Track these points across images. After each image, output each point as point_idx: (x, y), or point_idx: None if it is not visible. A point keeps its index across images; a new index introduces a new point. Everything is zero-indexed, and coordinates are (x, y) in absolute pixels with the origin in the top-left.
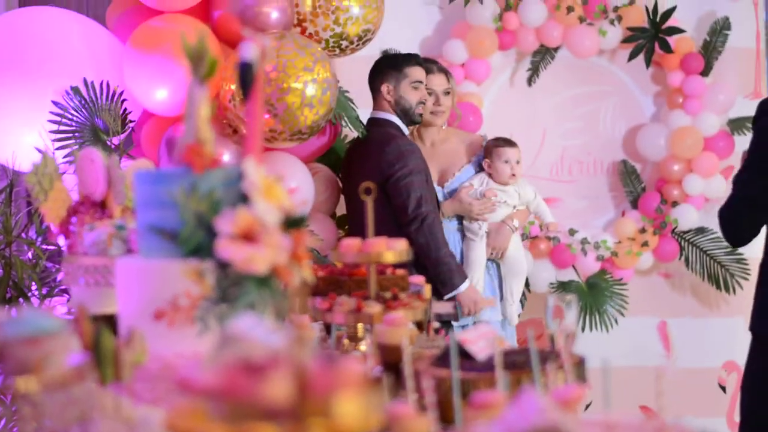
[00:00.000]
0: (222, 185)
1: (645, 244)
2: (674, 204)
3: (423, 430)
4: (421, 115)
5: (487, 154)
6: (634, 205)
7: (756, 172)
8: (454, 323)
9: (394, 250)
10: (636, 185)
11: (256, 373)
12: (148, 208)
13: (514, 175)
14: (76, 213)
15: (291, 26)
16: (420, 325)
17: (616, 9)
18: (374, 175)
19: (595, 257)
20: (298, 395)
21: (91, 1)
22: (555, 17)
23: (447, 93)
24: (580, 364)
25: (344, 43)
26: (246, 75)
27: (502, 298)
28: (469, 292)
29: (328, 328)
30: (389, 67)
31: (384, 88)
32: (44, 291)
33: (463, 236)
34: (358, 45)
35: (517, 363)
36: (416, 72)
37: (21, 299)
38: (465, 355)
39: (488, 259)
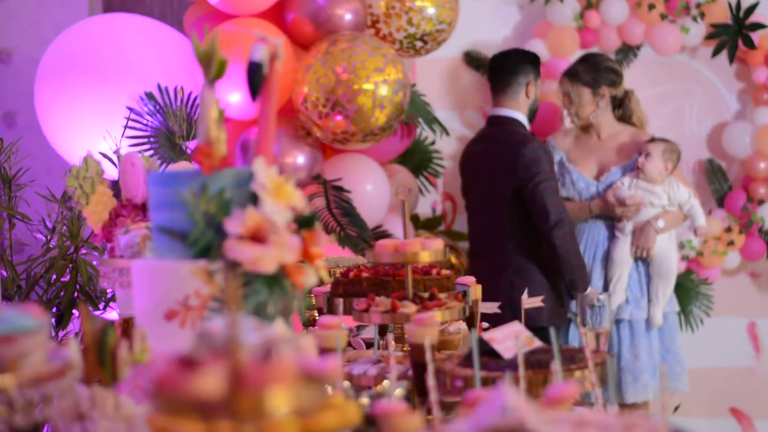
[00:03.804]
0: (232, 186)
1: (731, 243)
2: (761, 202)
3: (410, 427)
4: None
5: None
6: (720, 203)
7: None
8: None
9: (430, 250)
10: (722, 184)
11: (189, 368)
12: (160, 209)
13: (638, 167)
14: (118, 216)
15: (364, 28)
16: (471, 325)
17: (698, 5)
18: (510, 177)
19: (681, 257)
20: (231, 389)
21: (174, 7)
22: (637, 15)
23: (573, 102)
24: (608, 362)
25: (418, 44)
26: (255, 75)
27: (649, 299)
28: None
29: (383, 330)
30: (535, 65)
31: (531, 86)
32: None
33: (610, 234)
34: (432, 45)
35: (543, 362)
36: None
37: (87, 303)
38: (494, 354)
39: (637, 259)
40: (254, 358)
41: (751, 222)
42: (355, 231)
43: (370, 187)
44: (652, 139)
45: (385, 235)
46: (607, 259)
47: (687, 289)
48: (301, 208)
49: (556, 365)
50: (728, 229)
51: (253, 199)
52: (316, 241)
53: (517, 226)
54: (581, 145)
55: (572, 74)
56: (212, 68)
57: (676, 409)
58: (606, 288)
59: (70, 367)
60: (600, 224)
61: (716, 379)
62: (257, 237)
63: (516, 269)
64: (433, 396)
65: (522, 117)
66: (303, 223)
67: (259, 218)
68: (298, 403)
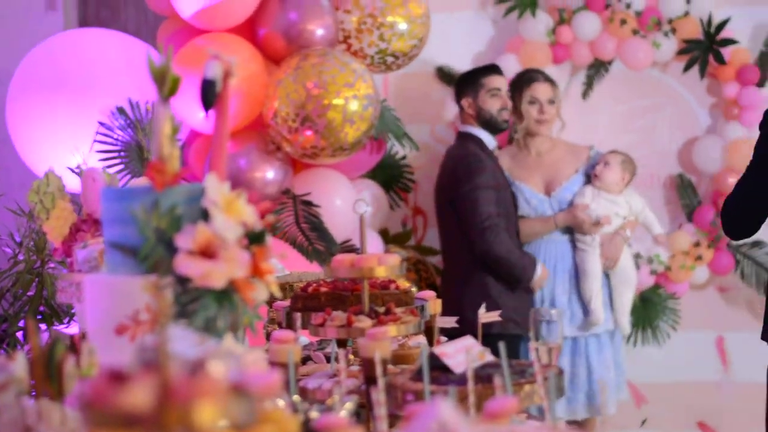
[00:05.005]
0: (184, 202)
1: (699, 257)
2: None
3: None
4: (506, 121)
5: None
6: (690, 218)
7: (754, 170)
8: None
9: (386, 265)
10: (692, 198)
11: (118, 382)
12: (112, 225)
13: (595, 175)
14: (78, 231)
15: (336, 43)
16: (430, 340)
17: (669, 21)
18: (446, 190)
19: (649, 271)
20: (159, 403)
21: (150, 22)
22: (608, 30)
23: (551, 102)
24: (555, 377)
25: (390, 59)
26: (208, 92)
27: (614, 308)
28: (544, 273)
29: (342, 343)
30: (466, 81)
31: (464, 102)
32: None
33: (573, 247)
34: (404, 61)
35: (492, 376)
36: (492, 80)
37: (53, 317)
38: (446, 368)
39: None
40: (183, 372)
41: (720, 236)
42: (322, 245)
43: (340, 201)
44: (611, 151)
45: (354, 249)
46: (575, 274)
47: (654, 304)
48: (252, 224)
49: (500, 379)
50: (696, 244)
51: (205, 216)
52: (267, 256)
53: (463, 237)
54: (520, 162)
55: (553, 81)
56: (166, 85)
57: (643, 422)
58: (584, 305)
59: (13, 381)
60: (559, 238)
61: (684, 394)
62: (207, 252)
63: (465, 279)
64: (379, 410)
65: (474, 130)
66: (254, 238)
67: (210, 234)
68: (230, 417)
